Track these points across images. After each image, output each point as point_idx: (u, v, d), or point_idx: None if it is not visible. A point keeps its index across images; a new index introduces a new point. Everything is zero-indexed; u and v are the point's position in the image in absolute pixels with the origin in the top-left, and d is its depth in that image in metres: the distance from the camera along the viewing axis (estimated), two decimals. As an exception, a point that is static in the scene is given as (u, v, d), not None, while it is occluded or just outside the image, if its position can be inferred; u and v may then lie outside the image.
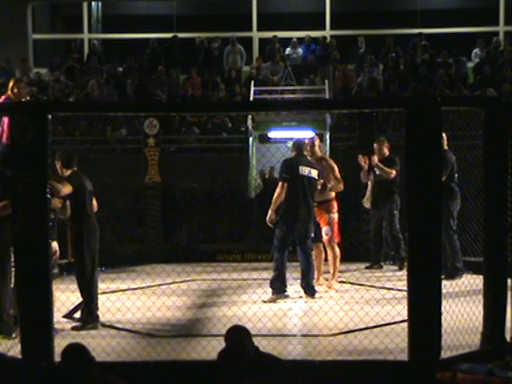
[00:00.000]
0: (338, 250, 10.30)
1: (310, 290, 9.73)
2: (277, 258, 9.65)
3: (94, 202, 8.68)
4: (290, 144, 15.40)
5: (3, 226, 7.47)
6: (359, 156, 11.78)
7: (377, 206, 11.88)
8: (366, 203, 12.07)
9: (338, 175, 10.27)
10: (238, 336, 5.39)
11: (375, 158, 11.53)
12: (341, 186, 10.32)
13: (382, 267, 12.05)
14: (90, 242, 8.36)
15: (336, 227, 10.28)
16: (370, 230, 12.24)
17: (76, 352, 4.90)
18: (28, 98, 10.48)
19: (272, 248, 9.78)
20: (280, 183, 9.68)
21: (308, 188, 9.70)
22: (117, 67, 18.64)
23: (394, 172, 11.47)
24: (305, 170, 9.72)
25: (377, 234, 12.05)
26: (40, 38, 20.72)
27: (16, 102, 9.90)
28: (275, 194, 9.67)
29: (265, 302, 9.45)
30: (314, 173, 9.82)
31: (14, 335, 7.58)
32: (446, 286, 7.98)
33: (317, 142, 10.52)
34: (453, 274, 10.62)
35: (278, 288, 9.62)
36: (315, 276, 10.06)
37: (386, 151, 11.70)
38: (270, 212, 9.70)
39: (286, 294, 9.66)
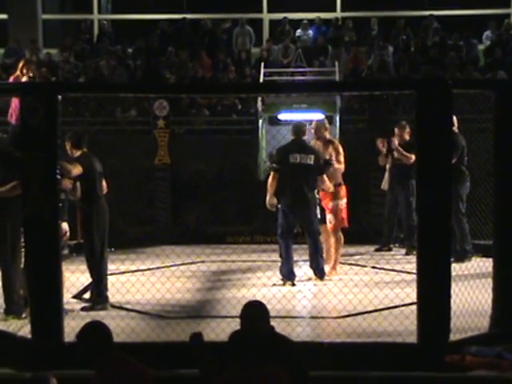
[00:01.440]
0: (342, 237, 10.19)
1: (319, 272, 9.73)
2: (280, 245, 9.69)
3: (104, 184, 8.70)
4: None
5: (13, 206, 7.49)
6: (378, 139, 11.81)
7: (392, 190, 11.85)
8: (385, 186, 12.06)
9: (342, 159, 10.18)
10: (255, 312, 5.32)
11: (395, 142, 11.52)
12: (338, 173, 10.15)
13: (391, 250, 12.05)
14: (99, 224, 8.38)
15: (343, 213, 10.16)
16: (384, 213, 12.19)
17: (97, 329, 4.87)
18: (36, 79, 10.46)
19: (278, 236, 9.80)
20: (271, 173, 9.76)
21: (302, 175, 9.55)
22: (127, 48, 18.59)
23: (413, 157, 11.44)
24: (296, 158, 9.63)
25: (390, 217, 12.01)
26: (50, 18, 20.68)
27: (26, 82, 9.91)
28: (268, 184, 9.76)
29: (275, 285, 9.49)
30: (310, 158, 9.67)
31: (24, 315, 7.63)
32: (456, 268, 7.97)
33: (325, 124, 10.47)
34: (462, 257, 10.62)
35: (286, 275, 9.60)
36: (325, 258, 10.03)
37: (407, 136, 11.67)
38: (268, 196, 9.72)
39: (294, 282, 9.58)
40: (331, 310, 8.09)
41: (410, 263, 10.03)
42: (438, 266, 6.62)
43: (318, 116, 15.74)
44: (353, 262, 11.00)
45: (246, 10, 19.81)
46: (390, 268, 10.60)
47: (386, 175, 12.02)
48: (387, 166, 11.94)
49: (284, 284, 9.53)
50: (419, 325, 6.61)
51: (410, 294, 7.48)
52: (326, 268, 9.89)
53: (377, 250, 12.08)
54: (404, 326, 7.15)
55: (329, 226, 10.12)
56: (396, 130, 11.73)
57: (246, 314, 5.25)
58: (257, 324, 5.17)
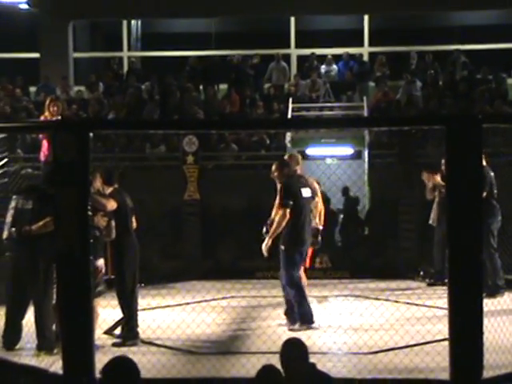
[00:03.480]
0: (304, 277, 9.49)
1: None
2: (298, 291, 9.01)
3: (133, 220, 8.75)
4: (328, 161, 15.49)
5: (46, 242, 7.56)
6: (424, 173, 11.85)
7: (440, 224, 11.75)
8: (434, 221, 12.01)
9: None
10: (293, 352, 5.29)
11: (437, 177, 11.54)
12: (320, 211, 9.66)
13: (445, 284, 11.90)
14: (130, 259, 8.42)
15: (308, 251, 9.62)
16: (433, 247, 12.08)
17: (123, 365, 4.75)
18: (62, 116, 10.58)
19: (286, 282, 9.07)
20: (287, 210, 8.95)
21: (308, 210, 9.25)
22: (155, 85, 18.76)
23: None
24: (305, 192, 9.19)
25: (439, 251, 11.87)
26: (80, 56, 20.96)
27: (58, 119, 10.04)
28: (277, 223, 8.97)
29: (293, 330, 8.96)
30: (308, 192, 9.30)
31: (55, 351, 7.65)
32: (488, 304, 7.89)
33: (296, 158, 9.66)
34: (494, 292, 10.53)
35: (307, 319, 9.08)
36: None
37: None
38: (268, 240, 9.03)
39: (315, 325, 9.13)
40: (362, 346, 8.04)
41: (442, 298, 9.97)
42: (470, 301, 6.55)
43: (346, 150, 15.85)
44: (383, 298, 10.93)
45: (274, 46, 19.95)
46: (422, 303, 10.52)
47: (434, 209, 11.97)
48: (435, 200, 11.90)
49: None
50: (451, 361, 6.53)
51: (442, 329, 7.42)
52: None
53: (430, 285, 12.00)
54: (436, 362, 7.09)
55: None
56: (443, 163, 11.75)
57: (286, 353, 5.23)
58: (298, 363, 5.15)
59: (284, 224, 8.97)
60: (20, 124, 10.55)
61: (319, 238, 9.55)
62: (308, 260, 9.64)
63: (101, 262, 8.20)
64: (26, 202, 7.99)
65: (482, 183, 6.95)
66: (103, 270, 8.40)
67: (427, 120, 8.07)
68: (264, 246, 9.04)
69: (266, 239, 9.04)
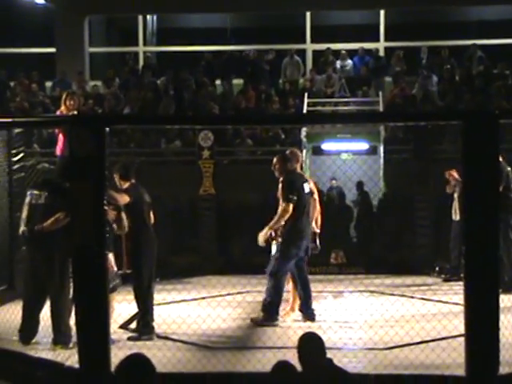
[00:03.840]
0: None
1: (311, 314, 9.29)
2: (277, 285, 8.99)
3: (151, 214, 8.75)
4: (343, 156, 15.47)
5: (60, 237, 7.59)
6: (446, 172, 11.87)
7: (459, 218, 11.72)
8: (455, 216, 11.96)
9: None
10: (310, 346, 5.29)
11: (455, 174, 11.56)
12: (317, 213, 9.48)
13: (461, 280, 11.87)
14: (148, 254, 8.43)
15: None
16: (450, 242, 12.07)
17: (138, 363, 4.74)
18: (78, 111, 10.60)
19: (270, 270, 9.06)
20: (290, 205, 8.92)
21: (308, 205, 9.19)
22: (171, 80, 18.78)
23: None
24: (306, 188, 9.16)
25: (456, 245, 11.85)
26: (96, 51, 21.00)
27: (74, 114, 10.06)
28: (279, 216, 8.94)
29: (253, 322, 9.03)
30: (307, 187, 9.25)
31: (71, 345, 7.68)
32: (504, 299, 7.86)
33: (297, 155, 9.57)
34: (510, 288, 10.49)
35: (270, 316, 9.02)
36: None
37: None
38: (267, 229, 8.97)
39: (277, 323, 8.99)
40: (377, 342, 8.03)
41: (457, 294, 9.95)
42: (486, 296, 6.53)
43: (362, 146, 15.82)
44: (399, 293, 10.91)
45: (289, 41, 19.93)
46: (438, 299, 10.50)
47: (455, 205, 11.92)
48: (455, 195, 11.86)
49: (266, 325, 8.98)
50: (467, 357, 6.51)
51: (458, 325, 7.40)
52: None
53: (445, 281, 11.97)
54: (452, 358, 7.07)
55: None
56: None
57: (304, 347, 5.22)
58: (315, 356, 5.15)
59: (286, 218, 8.95)
60: (36, 119, 10.63)
61: (317, 242, 9.48)
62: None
63: (110, 257, 8.20)
64: (39, 197, 8.01)
65: (498, 178, 6.92)
66: (113, 264, 8.39)
67: (443, 115, 8.06)
68: (261, 236, 8.98)
69: (266, 229, 8.99)
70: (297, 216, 9.00)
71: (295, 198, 8.95)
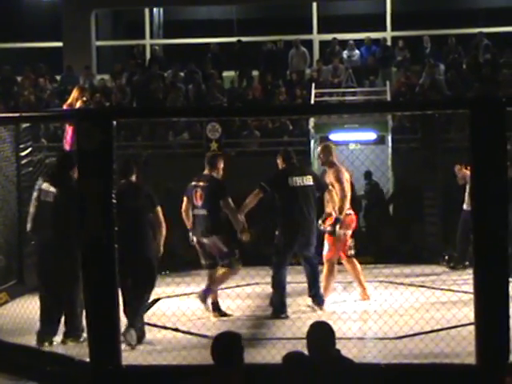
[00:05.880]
0: (334, 270, 9.75)
1: (318, 299, 9.37)
2: (274, 276, 9.21)
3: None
4: (351, 146, 15.46)
5: (71, 232, 7.58)
6: (457, 166, 11.95)
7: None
8: (468, 206, 11.95)
9: (345, 188, 9.41)
10: (319, 332, 5.30)
11: (464, 170, 11.59)
12: (339, 200, 9.42)
13: (467, 268, 11.87)
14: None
15: (343, 245, 9.71)
16: (458, 231, 12.08)
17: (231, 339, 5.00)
18: (89, 105, 10.63)
19: (272, 264, 9.32)
20: (256, 190, 9.25)
21: (304, 198, 9.17)
22: (178, 72, 18.77)
23: None
24: (297, 181, 9.17)
25: (464, 234, 11.81)
26: (103, 44, 21.00)
27: (81, 108, 10.08)
28: (247, 200, 9.29)
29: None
30: (309, 179, 9.27)
31: (82, 339, 7.70)
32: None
33: (329, 148, 9.72)
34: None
35: (277, 309, 9.13)
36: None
37: None
38: (240, 212, 9.28)
39: (284, 315, 9.04)
40: (387, 331, 8.03)
41: (467, 283, 9.93)
42: (496, 284, 6.51)
43: (369, 136, 15.80)
44: (408, 283, 10.91)
45: (296, 32, 19.88)
46: (447, 288, 10.49)
47: (467, 196, 11.88)
48: (467, 186, 11.84)
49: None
50: (478, 346, 6.51)
51: (468, 314, 7.39)
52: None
53: (452, 268, 11.96)
54: (462, 347, 7.07)
55: (324, 254, 9.71)
56: None
57: (313, 336, 5.23)
58: (325, 346, 5.15)
59: (251, 200, 9.28)
60: (44, 113, 10.65)
61: (337, 226, 9.48)
62: (341, 252, 9.70)
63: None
64: (47, 194, 7.99)
65: (506, 166, 6.90)
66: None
67: (450, 104, 8.02)
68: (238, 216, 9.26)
69: (238, 213, 9.23)
70: (285, 209, 9.12)
71: (266, 186, 9.15)
